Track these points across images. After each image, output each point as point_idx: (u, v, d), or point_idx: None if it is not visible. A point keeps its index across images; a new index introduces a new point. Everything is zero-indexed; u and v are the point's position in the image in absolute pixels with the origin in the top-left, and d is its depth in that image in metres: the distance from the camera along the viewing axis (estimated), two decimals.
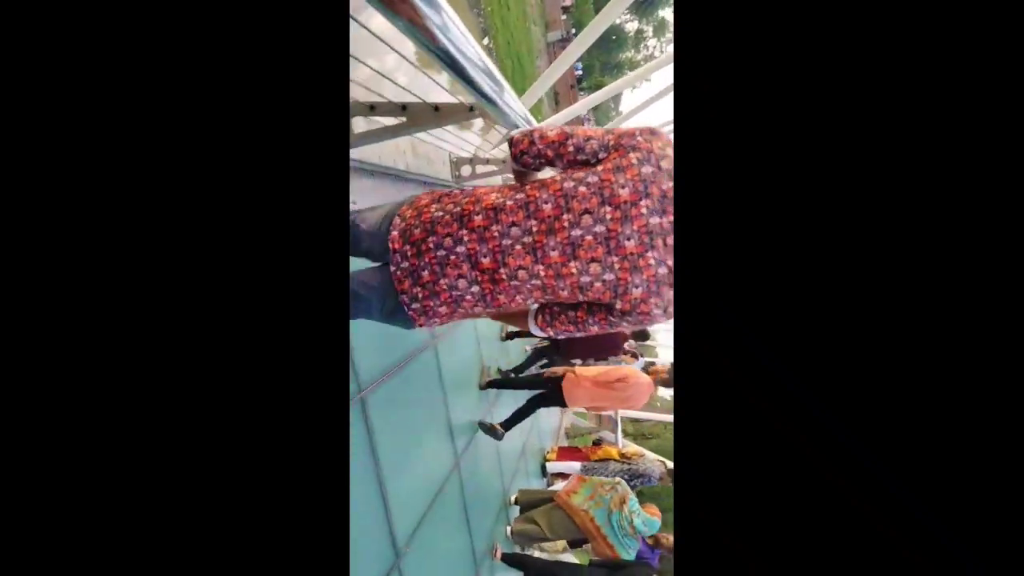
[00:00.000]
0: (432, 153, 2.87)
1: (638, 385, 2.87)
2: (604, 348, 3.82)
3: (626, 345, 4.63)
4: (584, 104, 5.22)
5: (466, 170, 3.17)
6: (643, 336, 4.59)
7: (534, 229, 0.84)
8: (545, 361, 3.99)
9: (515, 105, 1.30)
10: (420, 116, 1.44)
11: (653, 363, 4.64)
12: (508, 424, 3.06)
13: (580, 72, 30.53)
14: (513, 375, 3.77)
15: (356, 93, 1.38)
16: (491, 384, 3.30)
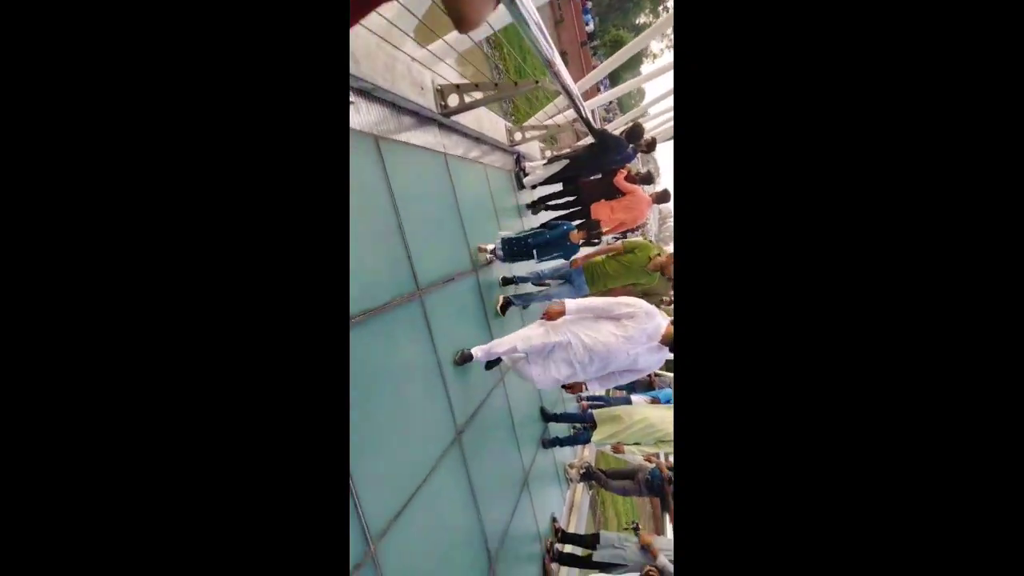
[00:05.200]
0: (413, 73, 2.58)
1: (640, 198, 4.22)
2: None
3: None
4: (602, 71, 4.86)
5: (453, 99, 2.88)
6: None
7: None
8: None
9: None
10: None
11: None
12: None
13: (591, 28, 28.51)
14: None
15: None
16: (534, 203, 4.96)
